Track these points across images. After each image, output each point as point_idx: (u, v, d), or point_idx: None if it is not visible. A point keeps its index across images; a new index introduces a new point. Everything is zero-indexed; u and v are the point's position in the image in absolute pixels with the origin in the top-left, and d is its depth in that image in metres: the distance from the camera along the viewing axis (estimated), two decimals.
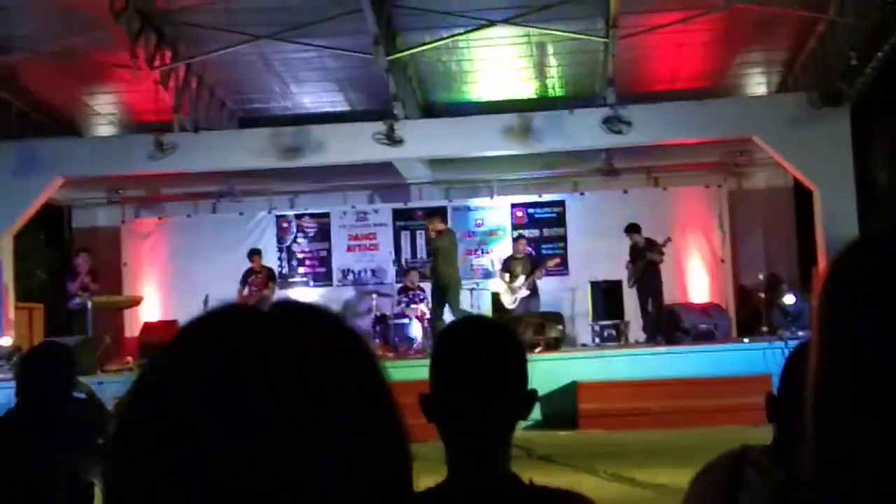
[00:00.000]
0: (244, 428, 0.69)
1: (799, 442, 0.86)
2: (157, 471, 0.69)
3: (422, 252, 15.75)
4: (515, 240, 14.55)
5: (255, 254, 14.25)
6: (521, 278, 13.54)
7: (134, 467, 0.71)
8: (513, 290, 13.58)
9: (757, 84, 14.27)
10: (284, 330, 0.75)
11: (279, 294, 14.15)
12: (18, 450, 3.29)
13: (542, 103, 13.81)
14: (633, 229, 13.49)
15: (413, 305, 13.80)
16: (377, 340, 13.24)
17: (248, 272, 14.08)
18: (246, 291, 13.76)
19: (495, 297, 14.08)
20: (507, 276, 13.69)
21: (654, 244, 13.34)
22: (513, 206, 15.90)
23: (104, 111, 14.53)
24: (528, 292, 13.57)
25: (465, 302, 13.39)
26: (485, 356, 1.76)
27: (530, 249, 14.36)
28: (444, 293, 12.89)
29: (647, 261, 13.23)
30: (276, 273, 15.08)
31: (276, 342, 0.73)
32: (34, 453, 3.23)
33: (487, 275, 15.29)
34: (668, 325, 12.97)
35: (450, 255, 13.14)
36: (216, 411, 0.69)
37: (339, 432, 0.71)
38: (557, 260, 14.83)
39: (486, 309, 13.87)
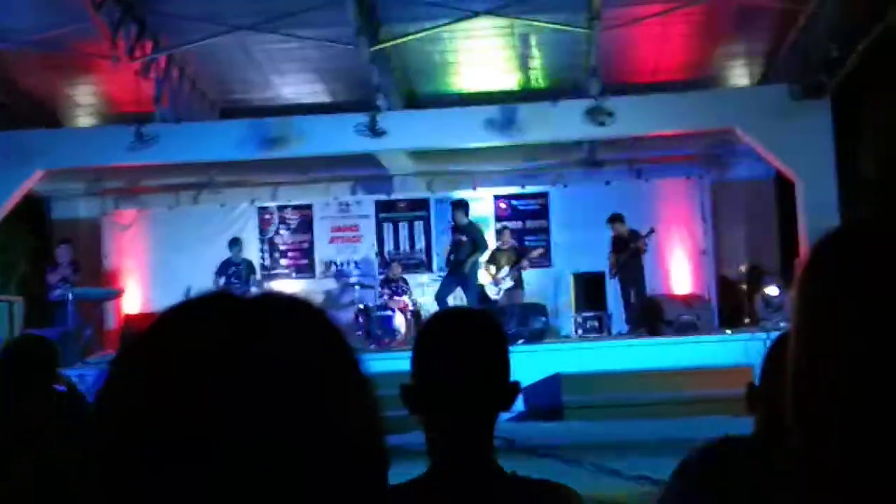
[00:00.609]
0: (230, 419, 0.68)
1: (779, 432, 0.86)
2: (139, 462, 0.68)
3: (405, 243, 15.74)
4: (500, 231, 14.55)
5: (235, 243, 14.15)
6: (506, 269, 13.55)
7: (115, 460, 0.70)
8: (497, 282, 13.59)
9: (739, 76, 14.29)
10: (269, 320, 0.74)
11: (261, 286, 14.08)
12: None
13: (526, 95, 13.78)
14: (616, 219, 13.51)
15: (396, 297, 13.79)
16: (360, 332, 13.21)
17: (227, 263, 13.99)
18: (223, 282, 13.67)
19: (479, 289, 14.10)
20: (491, 267, 13.69)
21: (638, 234, 13.37)
22: (496, 197, 15.88)
23: (85, 102, 14.41)
24: (513, 283, 13.59)
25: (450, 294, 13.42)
26: (467, 347, 1.76)
27: (514, 241, 14.38)
28: (464, 284, 13.00)
29: (630, 251, 13.26)
30: (258, 265, 15.02)
31: (260, 331, 0.73)
32: (14, 447, 3.21)
33: None
34: (650, 316, 13.01)
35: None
36: (200, 402, 0.68)
37: (321, 424, 0.70)
38: (541, 251, 14.86)
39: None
